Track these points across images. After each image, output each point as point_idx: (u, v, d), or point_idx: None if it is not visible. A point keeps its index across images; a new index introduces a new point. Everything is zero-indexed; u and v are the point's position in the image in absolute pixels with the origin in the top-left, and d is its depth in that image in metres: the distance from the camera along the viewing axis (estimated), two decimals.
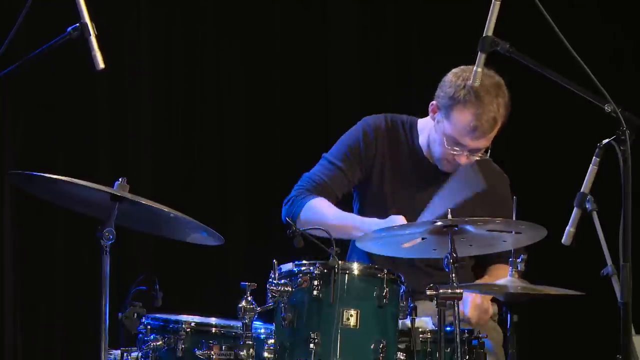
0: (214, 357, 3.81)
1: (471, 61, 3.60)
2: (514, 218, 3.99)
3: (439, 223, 3.75)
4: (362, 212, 4.57)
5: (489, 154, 4.47)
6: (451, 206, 3.88)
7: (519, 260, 3.92)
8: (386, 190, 4.58)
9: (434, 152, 4.53)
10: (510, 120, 6.28)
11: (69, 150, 5.85)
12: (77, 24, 3.57)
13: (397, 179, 4.58)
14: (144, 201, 3.69)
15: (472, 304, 4.31)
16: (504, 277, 3.91)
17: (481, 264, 4.65)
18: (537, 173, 6.16)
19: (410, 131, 4.64)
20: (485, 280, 4.54)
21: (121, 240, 3.68)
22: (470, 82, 4.27)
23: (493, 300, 4.44)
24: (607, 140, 3.45)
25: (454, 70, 4.50)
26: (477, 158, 4.46)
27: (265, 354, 3.84)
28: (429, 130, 4.57)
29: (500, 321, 4.53)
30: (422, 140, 4.61)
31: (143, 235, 5.67)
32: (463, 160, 4.44)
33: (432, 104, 4.50)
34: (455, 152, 4.43)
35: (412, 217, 4.35)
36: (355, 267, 3.80)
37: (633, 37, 6.37)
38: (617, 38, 6.39)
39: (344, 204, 4.59)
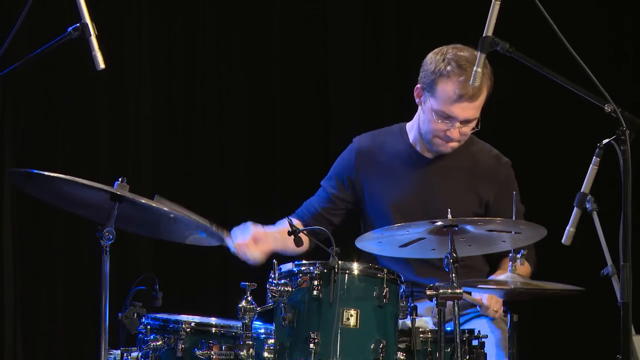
0: (214, 357, 3.81)
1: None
2: (513, 217, 3.99)
3: (439, 223, 3.76)
4: (368, 222, 4.65)
5: (479, 126, 4.48)
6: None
7: (518, 255, 3.92)
8: (383, 195, 4.60)
9: (425, 134, 4.55)
10: (510, 120, 6.28)
11: (69, 150, 5.85)
12: (78, 24, 3.57)
13: (390, 181, 4.61)
14: (144, 201, 3.69)
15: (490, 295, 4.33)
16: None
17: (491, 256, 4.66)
18: (538, 173, 6.16)
19: (400, 134, 4.68)
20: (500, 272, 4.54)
21: (121, 240, 3.68)
22: (451, 55, 4.40)
23: None
24: (607, 140, 3.45)
25: (432, 51, 4.55)
26: (469, 130, 4.47)
27: (265, 354, 3.84)
28: (417, 121, 4.59)
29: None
30: (412, 137, 4.63)
31: (143, 235, 5.67)
32: (455, 134, 4.47)
33: (417, 88, 4.54)
34: (446, 127, 4.44)
35: (414, 210, 4.38)
36: (355, 267, 3.80)
37: (633, 36, 6.37)
38: (617, 38, 6.39)
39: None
